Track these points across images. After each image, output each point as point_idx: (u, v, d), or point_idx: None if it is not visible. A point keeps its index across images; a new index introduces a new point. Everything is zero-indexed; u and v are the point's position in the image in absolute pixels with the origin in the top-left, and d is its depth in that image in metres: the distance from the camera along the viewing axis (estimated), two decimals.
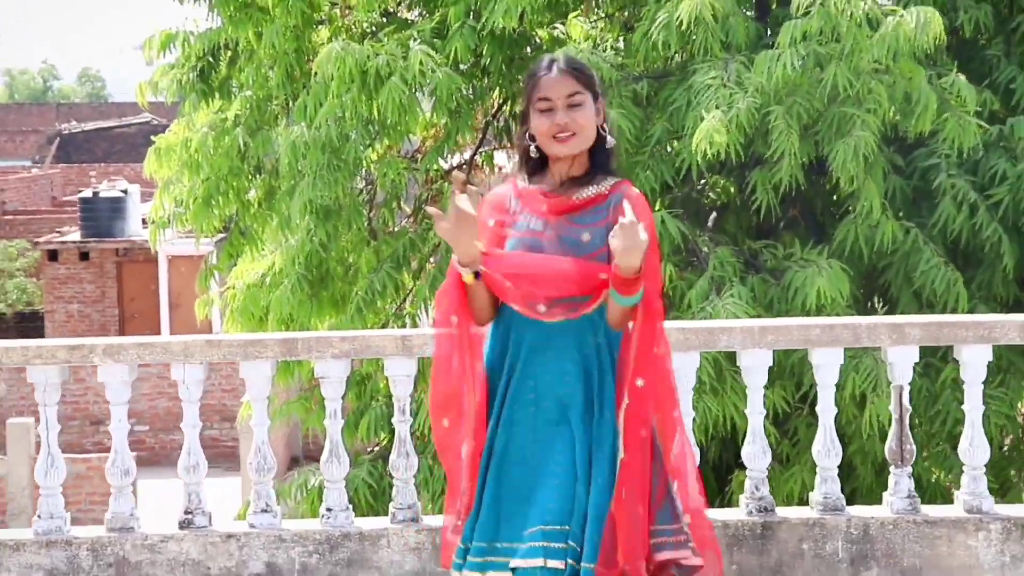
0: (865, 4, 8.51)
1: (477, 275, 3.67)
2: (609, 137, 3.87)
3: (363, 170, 10.49)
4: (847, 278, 8.70)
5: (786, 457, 9.04)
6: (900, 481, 5.25)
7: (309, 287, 10.14)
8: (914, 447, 5.30)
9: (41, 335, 28.82)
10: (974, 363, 5.22)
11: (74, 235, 33.17)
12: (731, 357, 8.05)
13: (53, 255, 32.31)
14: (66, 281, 31.66)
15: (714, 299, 8.47)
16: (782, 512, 5.31)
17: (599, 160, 3.81)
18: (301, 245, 10.10)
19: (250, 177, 11.15)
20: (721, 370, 8.33)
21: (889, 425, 7.93)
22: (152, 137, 12.06)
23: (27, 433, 18.25)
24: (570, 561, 3.60)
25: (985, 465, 5.31)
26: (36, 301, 32.43)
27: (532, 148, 3.79)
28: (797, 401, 8.88)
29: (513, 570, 3.64)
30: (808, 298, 8.43)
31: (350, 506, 5.38)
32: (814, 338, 5.28)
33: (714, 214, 10.04)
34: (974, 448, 5.26)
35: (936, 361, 8.83)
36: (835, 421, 7.52)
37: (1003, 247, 8.91)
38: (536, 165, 3.83)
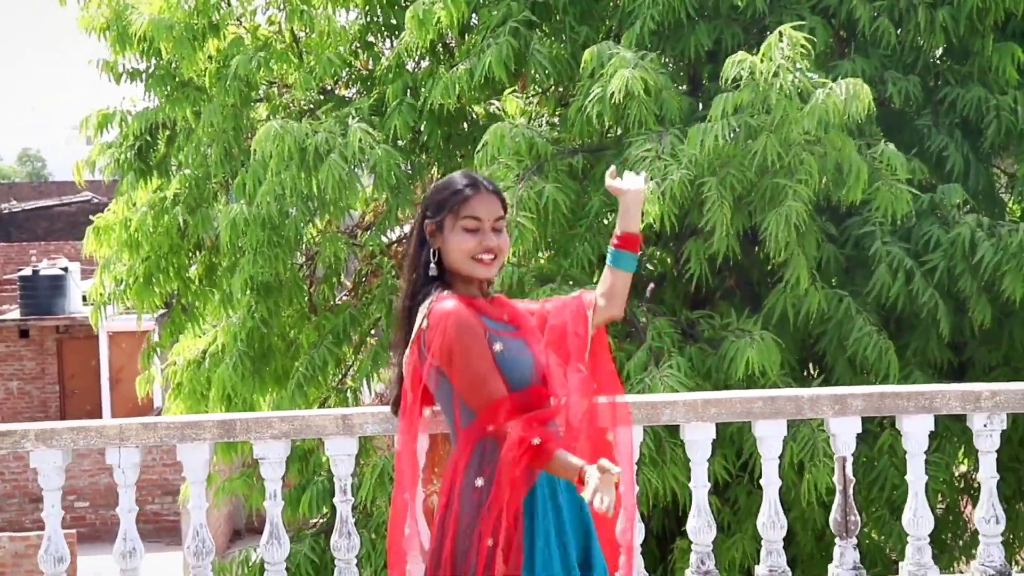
0: (794, 76, 8.50)
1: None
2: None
3: (303, 246, 10.36)
4: (779, 348, 8.64)
5: (727, 525, 8.93)
6: (845, 553, 5.15)
7: (251, 363, 9.97)
8: (859, 519, 5.20)
9: None
10: (915, 433, 5.15)
11: (14, 313, 32.70)
12: (670, 429, 7.95)
13: None
14: (6, 358, 31.18)
15: (653, 370, 8.38)
16: None
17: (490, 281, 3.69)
18: (242, 322, 9.95)
19: (190, 254, 11.02)
20: (660, 442, 8.22)
21: (828, 494, 7.87)
22: (91, 216, 11.86)
23: None
24: None
25: (929, 535, 5.21)
26: None
27: (434, 266, 3.57)
28: (738, 470, 8.79)
29: None
30: (738, 369, 8.36)
31: None
32: (757, 410, 5.19)
33: (651, 285, 9.97)
34: (918, 519, 5.16)
35: (873, 427, 8.80)
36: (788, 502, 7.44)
37: (939, 312, 8.89)
38: (429, 282, 3.59)
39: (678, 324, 9.17)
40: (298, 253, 10.44)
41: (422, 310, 3.48)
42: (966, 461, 10.29)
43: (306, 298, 10.54)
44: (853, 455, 8.19)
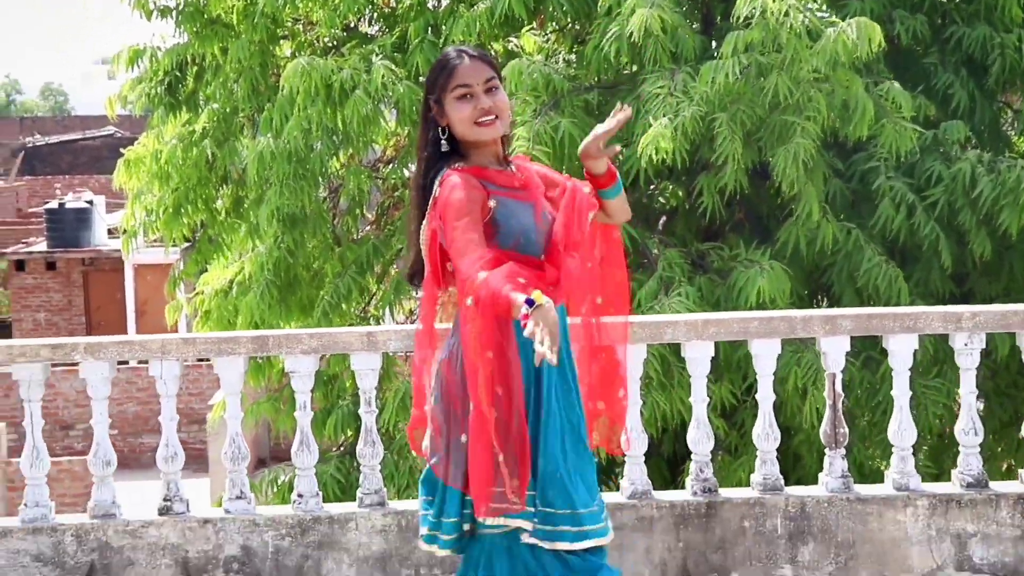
0: (804, 16, 8.81)
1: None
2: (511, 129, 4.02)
3: (328, 179, 10.74)
4: (788, 278, 9.01)
5: (734, 447, 9.34)
6: (834, 462, 5.56)
7: (277, 292, 10.39)
8: (847, 430, 5.60)
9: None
10: (900, 352, 5.53)
11: (40, 246, 33.25)
12: (677, 353, 8.34)
13: (20, 265, 32.38)
14: (33, 290, 31.76)
15: (663, 298, 8.76)
16: (725, 493, 5.60)
17: (506, 144, 3.94)
18: (269, 252, 10.35)
19: (218, 187, 11.39)
20: (669, 366, 8.61)
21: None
22: (121, 149, 12.26)
23: (0, 436, 18.39)
24: None
25: (913, 447, 5.61)
26: (3, 310, 32.47)
27: (443, 142, 3.81)
28: (743, 394, 9.17)
29: None
30: (749, 297, 8.72)
31: (319, 493, 5.64)
32: (753, 330, 5.58)
33: (664, 218, 10.34)
34: (902, 431, 5.56)
35: (876, 355, 9.15)
36: (780, 413, 7.84)
37: (940, 245, 9.25)
38: (442, 158, 3.80)
39: (688, 255, 9.54)
40: (323, 186, 10.83)
41: (436, 184, 3.77)
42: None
43: (330, 229, 10.93)
44: (855, 381, 8.59)
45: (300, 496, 5.56)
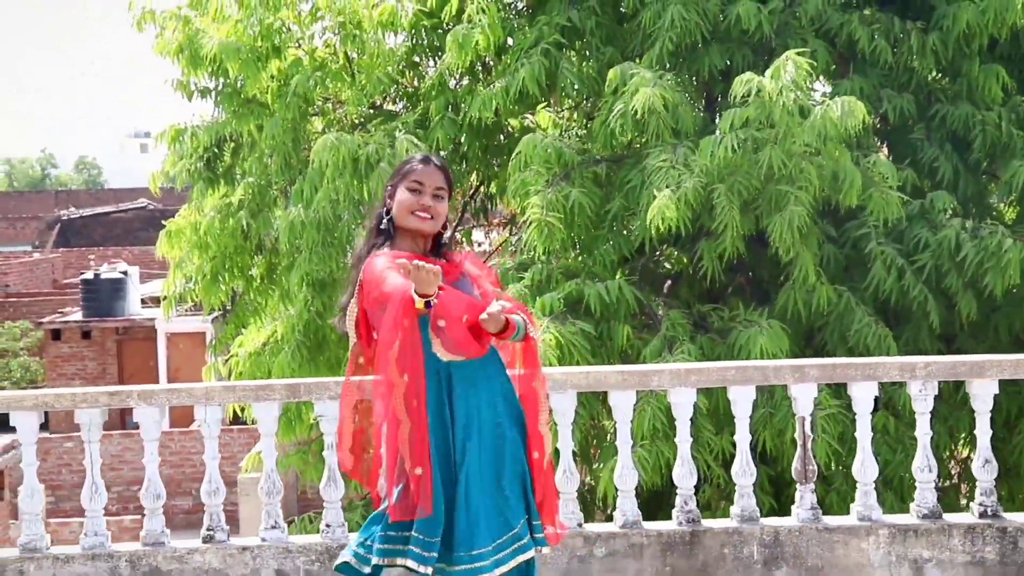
0: (795, 94, 9.60)
1: (428, 305, 4.18)
2: (447, 232, 4.64)
3: (354, 247, 11.53)
4: (786, 336, 9.73)
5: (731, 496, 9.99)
6: (804, 496, 6.24)
7: (307, 352, 11.16)
8: (815, 467, 6.29)
9: (46, 412, 29.63)
10: (862, 398, 6.23)
11: (76, 315, 34.19)
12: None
13: (56, 334, 33.31)
14: (68, 359, 32.65)
15: (666, 356, 9.48)
16: (707, 523, 6.28)
17: (440, 245, 4.60)
18: (299, 314, 11.13)
19: (252, 255, 12.20)
20: (672, 419, 9.31)
21: (825, 463, 8.91)
22: (163, 222, 13.11)
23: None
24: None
25: (875, 481, 6.28)
26: (39, 378, 33.37)
27: (385, 221, 4.47)
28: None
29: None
30: (752, 354, 9.42)
31: (345, 523, 6.34)
32: (730, 377, 6.29)
33: (668, 282, 11.08)
34: (864, 467, 6.25)
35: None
36: (783, 459, 8.48)
37: (929, 306, 9.96)
38: (379, 235, 4.47)
39: (691, 316, 10.27)
40: (349, 252, 11.63)
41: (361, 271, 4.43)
42: (968, 448, 11.39)
43: None
44: (848, 435, 9.21)
45: (328, 526, 6.28)
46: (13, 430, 6.77)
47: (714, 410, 9.46)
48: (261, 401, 6.24)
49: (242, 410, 11.85)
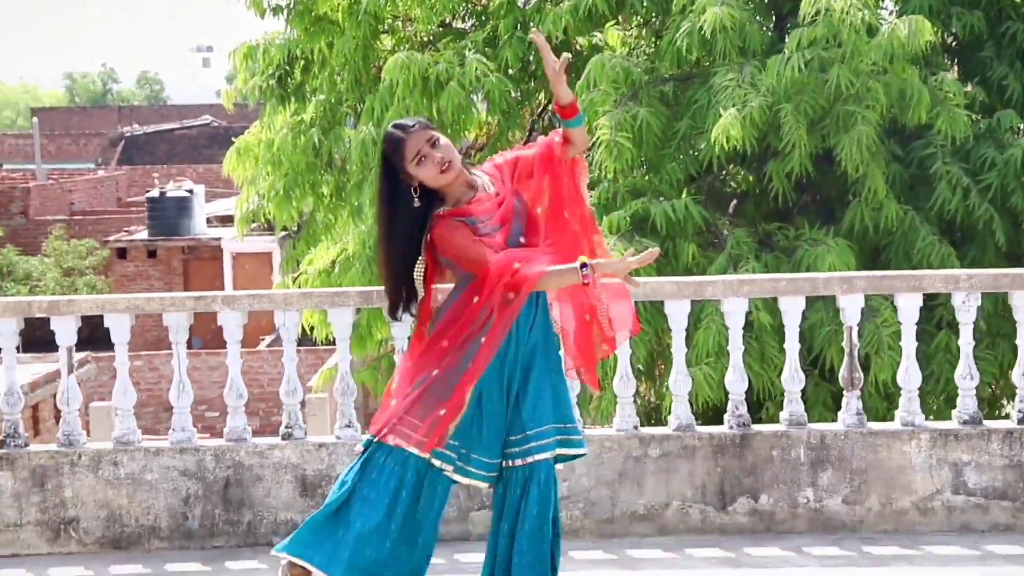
0: (863, 13, 10.09)
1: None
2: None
3: None
4: (852, 254, 10.30)
5: None
6: (851, 402, 6.84)
7: (377, 268, 11.84)
8: (861, 375, 6.88)
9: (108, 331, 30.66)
10: (907, 307, 6.79)
11: (141, 234, 35.25)
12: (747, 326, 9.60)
13: (122, 253, 34.42)
14: (134, 278, 33.74)
15: (731, 273, 10.07)
16: (756, 427, 6.90)
17: (469, 169, 5.11)
18: (370, 230, 11.82)
19: (323, 172, 12.90)
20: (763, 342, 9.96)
21: (893, 384, 9.46)
22: (232, 139, 13.84)
23: (107, 416, 20.13)
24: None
25: (919, 388, 6.87)
26: None
27: (416, 199, 4.97)
28: (808, 365, 10.43)
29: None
30: (820, 271, 9.98)
31: None
32: (781, 288, 6.88)
33: (735, 201, 11.66)
34: (909, 375, 6.83)
35: (931, 328, 10.38)
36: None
37: (995, 224, 10.47)
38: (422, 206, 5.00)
39: (756, 235, 10.86)
40: None
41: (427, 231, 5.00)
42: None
43: None
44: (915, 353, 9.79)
45: None
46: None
47: (779, 327, 10.08)
48: (336, 307, 6.92)
49: (311, 329, 12.62)
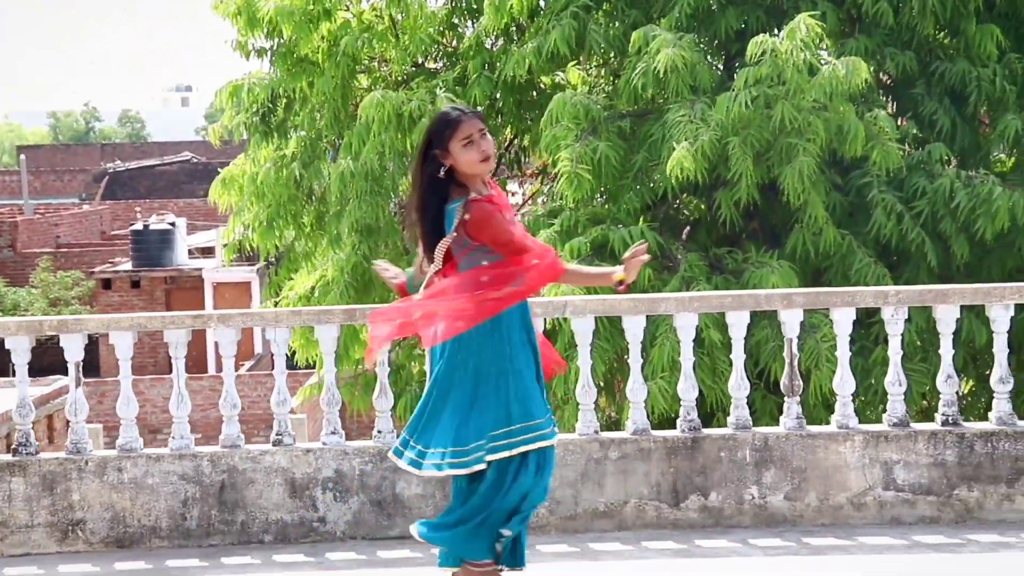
0: (805, 54, 10.55)
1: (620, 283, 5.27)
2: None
3: (398, 195, 12.59)
4: (795, 275, 10.72)
5: None
6: (791, 407, 7.23)
7: (355, 293, 12.22)
8: (801, 382, 7.28)
9: (96, 358, 30.83)
10: (842, 321, 7.20)
11: (125, 265, 35.47)
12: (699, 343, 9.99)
13: (107, 284, 34.62)
14: (119, 308, 33.94)
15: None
16: (706, 431, 7.28)
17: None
18: (348, 258, 12.19)
19: (304, 204, 13.26)
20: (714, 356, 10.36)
21: (831, 395, 9.86)
22: (219, 169, 14.19)
23: (97, 437, 20.35)
24: None
25: (852, 395, 7.27)
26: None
27: (442, 171, 5.13)
28: (755, 378, 10.83)
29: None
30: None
31: (394, 430, 7.39)
32: (727, 304, 7.29)
33: (687, 228, 12.09)
34: (843, 382, 7.23)
35: (869, 343, 10.81)
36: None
37: (926, 248, 10.92)
38: (444, 185, 5.16)
39: (707, 259, 11.28)
40: (394, 201, 12.69)
41: (457, 209, 5.13)
42: (971, 381, 12.39)
43: (400, 238, 12.78)
44: (852, 366, 10.22)
45: (380, 432, 7.32)
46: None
47: (729, 343, 10.48)
48: (322, 324, 7.29)
49: (293, 354, 12.96)
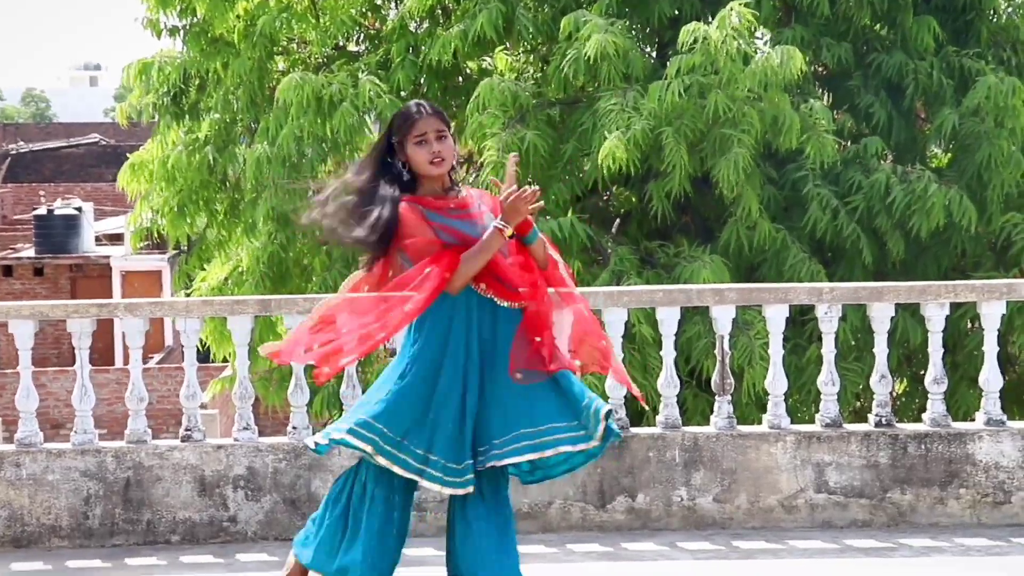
0: (739, 42, 10.60)
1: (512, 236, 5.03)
2: (457, 168, 5.31)
3: (316, 182, 12.50)
4: (728, 271, 10.78)
5: None
6: (722, 406, 7.26)
7: (271, 283, 12.14)
8: (732, 381, 7.31)
9: None
10: (774, 318, 7.24)
11: (28, 252, 34.95)
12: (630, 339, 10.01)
13: (7, 271, 34.09)
14: (20, 296, 33.43)
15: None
16: (635, 430, 7.29)
17: (453, 178, 5.27)
18: (264, 247, 12.09)
19: (217, 190, 13.13)
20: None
21: (764, 395, 9.94)
22: (127, 155, 14.01)
23: None
24: None
25: (785, 394, 7.31)
26: None
27: (405, 173, 5.12)
28: (686, 375, 10.86)
29: None
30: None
31: (310, 426, 7.32)
32: (657, 299, 7.30)
33: (618, 221, 12.13)
34: (775, 381, 7.26)
35: (803, 342, 10.91)
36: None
37: (862, 244, 11.03)
38: (402, 185, 5.13)
39: (638, 252, 11.32)
40: (312, 188, 12.58)
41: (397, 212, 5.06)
42: (905, 381, 12.56)
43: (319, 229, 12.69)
44: (785, 365, 10.32)
45: (294, 428, 7.25)
46: None
47: (660, 339, 10.51)
48: (236, 315, 7.21)
49: (207, 348, 12.85)
